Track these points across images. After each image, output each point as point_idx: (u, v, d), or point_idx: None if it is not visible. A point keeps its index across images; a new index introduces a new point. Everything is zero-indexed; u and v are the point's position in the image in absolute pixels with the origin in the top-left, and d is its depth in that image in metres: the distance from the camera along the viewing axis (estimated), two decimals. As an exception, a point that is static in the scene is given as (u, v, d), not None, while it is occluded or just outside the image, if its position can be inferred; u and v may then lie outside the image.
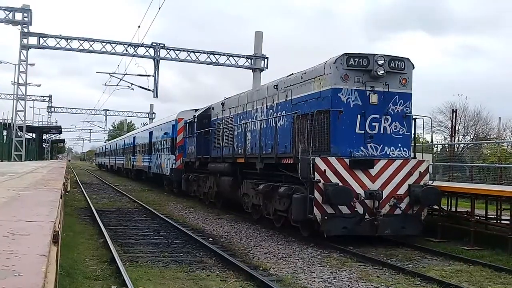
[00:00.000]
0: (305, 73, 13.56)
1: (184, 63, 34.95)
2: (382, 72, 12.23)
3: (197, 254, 10.99)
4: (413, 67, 12.74)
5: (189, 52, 34.09)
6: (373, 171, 12.16)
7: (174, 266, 9.60)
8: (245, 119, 17.49)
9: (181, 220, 16.99)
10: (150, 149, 34.27)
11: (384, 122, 12.45)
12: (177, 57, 34.04)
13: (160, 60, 33.49)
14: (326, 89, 12.43)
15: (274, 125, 15.10)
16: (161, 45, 33.32)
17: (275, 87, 15.24)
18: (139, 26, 30.20)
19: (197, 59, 34.37)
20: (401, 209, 12.18)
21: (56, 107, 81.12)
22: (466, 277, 9.37)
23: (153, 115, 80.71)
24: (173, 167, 26.43)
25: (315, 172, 11.76)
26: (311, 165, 11.76)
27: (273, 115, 15.28)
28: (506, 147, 28.65)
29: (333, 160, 11.94)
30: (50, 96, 79.21)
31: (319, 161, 11.83)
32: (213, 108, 21.68)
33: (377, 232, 12.03)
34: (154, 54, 33.19)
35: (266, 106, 15.92)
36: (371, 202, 11.99)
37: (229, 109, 19.38)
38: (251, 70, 34.61)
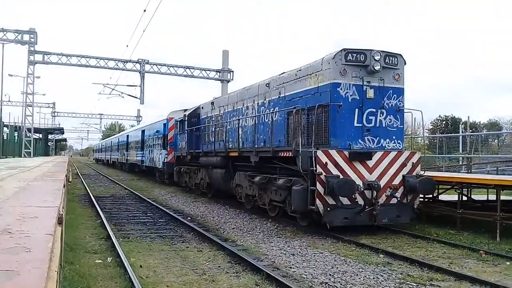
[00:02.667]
0: (300, 70, 11.37)
1: (165, 76, 34.78)
2: (379, 67, 10.17)
3: (178, 231, 10.78)
4: (405, 63, 10.70)
5: (169, 67, 33.94)
6: (370, 163, 10.08)
7: (159, 240, 9.51)
8: (236, 116, 15.21)
9: (164, 203, 16.46)
10: (142, 145, 31.74)
11: (380, 116, 10.37)
12: (159, 71, 33.83)
13: (145, 73, 33.42)
14: (324, 84, 10.26)
15: (266, 120, 12.88)
16: (145, 61, 33.14)
17: (267, 85, 13.01)
18: (127, 46, 33.61)
19: (175, 72, 34.12)
20: (398, 198, 10.18)
21: (59, 112, 77.46)
22: (390, 243, 9.36)
23: (140, 118, 78.73)
24: (165, 160, 23.95)
25: (317, 165, 9.63)
26: (314, 157, 9.62)
27: (265, 112, 13.06)
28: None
29: (333, 152, 9.80)
30: (53, 103, 75.65)
31: (320, 154, 9.68)
32: (202, 107, 19.28)
33: (375, 222, 9.99)
34: (140, 68, 32.99)
35: (258, 103, 13.67)
36: (370, 192, 9.94)
37: (219, 107, 17.04)
38: (220, 81, 34.56)
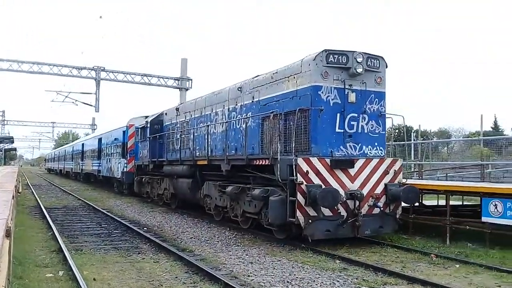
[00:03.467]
0: (276, 72, 10.67)
1: (122, 83, 33.35)
2: (361, 70, 9.61)
3: (134, 241, 10.43)
4: (386, 66, 10.22)
5: (125, 74, 32.72)
6: (352, 171, 9.47)
7: (114, 252, 9.19)
8: (204, 122, 14.32)
9: (120, 214, 15.89)
10: (99, 154, 30.07)
11: (362, 121, 9.80)
12: (115, 78, 32.55)
13: (101, 81, 32.02)
14: (304, 87, 9.60)
15: (238, 126, 12.09)
16: (101, 68, 31.85)
17: (239, 89, 12.23)
18: (82, 52, 30.46)
19: (132, 80, 32.95)
20: (380, 208, 9.61)
21: (8, 120, 73.32)
22: (346, 248, 9.27)
23: (95, 126, 75.97)
24: (125, 170, 22.59)
25: (297, 173, 8.92)
26: (294, 166, 8.90)
27: (236, 117, 12.26)
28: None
29: (315, 160, 9.12)
30: (3, 111, 71.57)
31: (301, 162, 8.97)
32: (166, 114, 18.24)
33: (358, 233, 9.37)
34: (96, 75, 31.71)
35: (228, 108, 12.85)
36: (352, 202, 9.32)
37: (184, 113, 16.09)
38: (178, 89, 33.72)
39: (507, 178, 15.66)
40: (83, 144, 38.29)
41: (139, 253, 9.02)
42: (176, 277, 7.14)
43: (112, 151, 25.95)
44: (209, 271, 7.21)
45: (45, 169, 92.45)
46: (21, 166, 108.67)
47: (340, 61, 9.50)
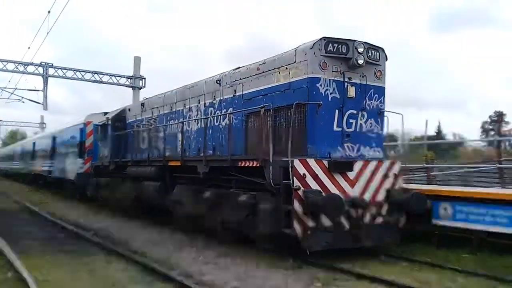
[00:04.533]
0: (264, 63, 9.44)
1: (72, 81, 31.93)
2: (362, 61, 8.53)
3: (82, 245, 10.06)
4: (386, 59, 9.20)
5: (75, 71, 31.11)
6: (351, 175, 8.37)
7: (62, 255, 8.85)
8: (175, 119, 12.91)
9: (64, 217, 15.11)
10: (52, 154, 27.67)
11: (361, 119, 8.74)
12: (64, 75, 30.94)
13: (49, 78, 30.36)
14: (299, 79, 8.42)
15: (217, 124, 10.80)
16: (49, 64, 30.25)
17: (218, 82, 10.91)
18: (29, 47, 30.27)
19: (82, 77, 31.38)
20: (383, 216, 8.57)
21: None
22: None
23: (44, 125, 72.13)
24: (80, 171, 20.61)
25: (294, 177, 7.72)
26: (290, 168, 7.70)
27: (215, 113, 10.94)
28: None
29: (312, 162, 7.96)
30: None
31: (298, 164, 7.79)
32: (129, 110, 16.60)
33: (359, 244, 8.28)
34: (43, 72, 30.03)
35: (205, 103, 11.51)
36: (355, 211, 8.22)
37: (151, 109, 14.56)
38: (131, 88, 32.54)
39: (453, 181, 15.26)
40: (34, 143, 35.53)
41: (89, 256, 8.74)
42: (131, 278, 7.07)
43: (68, 151, 23.76)
44: (163, 271, 7.14)
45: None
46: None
47: (340, 51, 8.39)
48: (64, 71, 30.86)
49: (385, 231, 8.62)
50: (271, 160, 8.03)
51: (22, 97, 35.80)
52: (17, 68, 29.57)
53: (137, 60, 32.59)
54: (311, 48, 8.22)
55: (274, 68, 9.03)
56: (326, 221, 7.88)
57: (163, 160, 12.49)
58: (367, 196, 8.45)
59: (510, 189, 11.60)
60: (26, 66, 29.68)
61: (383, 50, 9.05)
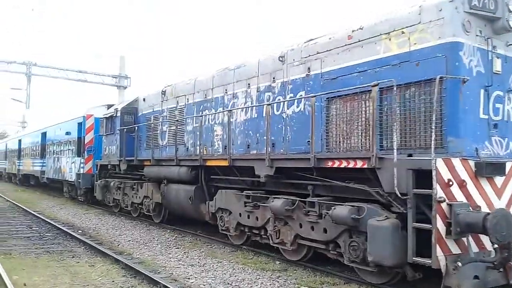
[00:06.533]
0: (361, 29, 6.96)
1: (56, 79, 31.01)
2: (514, 23, 6.14)
3: (68, 245, 9.88)
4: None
5: (59, 70, 30.47)
6: (499, 181, 5.98)
7: (46, 256, 8.70)
8: (210, 109, 10.38)
9: (53, 216, 14.82)
10: (43, 152, 24.79)
11: (507, 103, 6.36)
12: (48, 74, 30.27)
13: (32, 76, 29.94)
14: (429, 45, 5.96)
15: (278, 112, 8.32)
16: (33, 63, 29.69)
17: (281, 59, 8.43)
18: (13, 43, 28.14)
19: (67, 76, 30.67)
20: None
21: None
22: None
23: (25, 124, 69.20)
24: (81, 171, 17.88)
25: (437, 184, 5.29)
26: (434, 171, 5.26)
27: (275, 99, 8.45)
28: None
29: (457, 163, 5.54)
30: None
31: (441, 166, 5.35)
32: (144, 100, 13.93)
33: (510, 280, 5.86)
34: (26, 70, 29.55)
35: (258, 88, 9.00)
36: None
37: (176, 98, 11.95)
38: (116, 87, 31.94)
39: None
40: (20, 140, 32.43)
41: (73, 257, 8.61)
42: (113, 281, 6.84)
43: (62, 148, 20.97)
44: (147, 274, 6.92)
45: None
46: None
47: (487, 7, 5.97)
48: (48, 70, 30.12)
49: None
50: (395, 160, 5.58)
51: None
52: (-3, 66, 28.87)
53: (122, 60, 32.40)
54: (451, 1, 5.78)
55: (380, 34, 6.56)
56: (474, 247, 5.46)
57: (199, 159, 9.95)
58: (516, 209, 6.07)
59: None
60: (8, 64, 28.84)
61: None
